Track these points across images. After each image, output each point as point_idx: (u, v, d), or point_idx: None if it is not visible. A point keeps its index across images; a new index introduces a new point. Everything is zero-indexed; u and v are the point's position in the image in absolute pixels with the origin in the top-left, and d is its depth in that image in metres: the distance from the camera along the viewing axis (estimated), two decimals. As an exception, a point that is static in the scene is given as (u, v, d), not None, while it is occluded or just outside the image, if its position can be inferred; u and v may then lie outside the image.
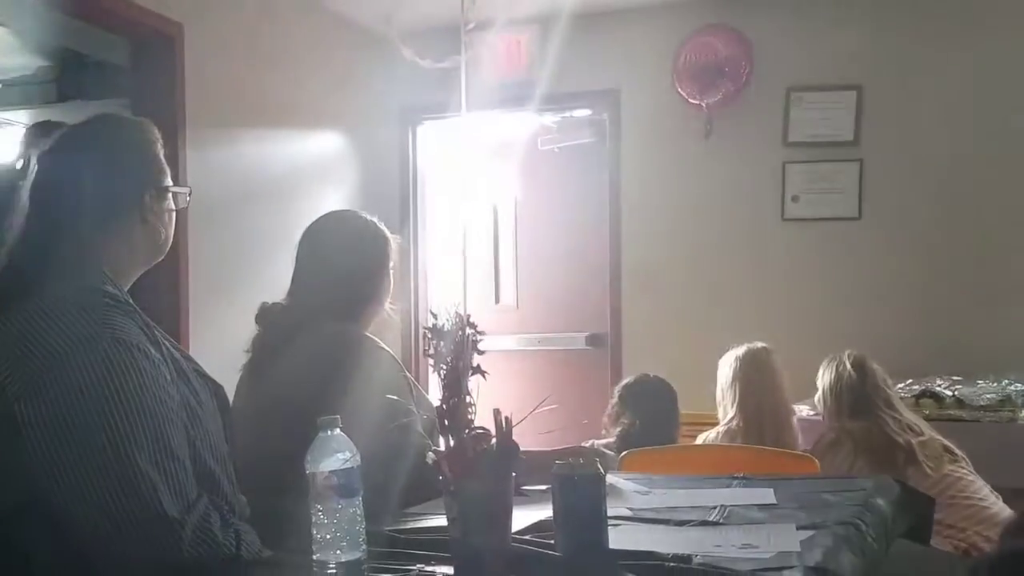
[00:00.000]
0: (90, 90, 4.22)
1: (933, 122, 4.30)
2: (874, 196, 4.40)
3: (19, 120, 4.55)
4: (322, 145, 4.71)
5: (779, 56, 4.49)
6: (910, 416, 3.12)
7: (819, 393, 3.20)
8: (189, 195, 1.65)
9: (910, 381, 3.86)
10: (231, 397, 1.79)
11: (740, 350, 3.33)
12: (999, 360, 3.98)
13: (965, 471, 2.96)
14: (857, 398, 3.08)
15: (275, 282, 3.17)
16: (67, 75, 4.36)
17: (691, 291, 4.56)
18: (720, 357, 3.38)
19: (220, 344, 3.11)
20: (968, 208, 4.25)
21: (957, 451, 3.03)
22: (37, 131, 3.00)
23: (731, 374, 3.28)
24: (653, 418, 3.29)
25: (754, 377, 3.24)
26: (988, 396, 3.66)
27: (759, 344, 3.36)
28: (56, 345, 1.30)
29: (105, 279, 1.45)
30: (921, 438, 2.97)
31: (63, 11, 3.43)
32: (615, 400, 3.44)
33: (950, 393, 3.71)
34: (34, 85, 4.48)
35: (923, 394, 3.73)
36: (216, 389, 1.57)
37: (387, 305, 2.31)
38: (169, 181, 1.59)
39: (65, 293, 1.38)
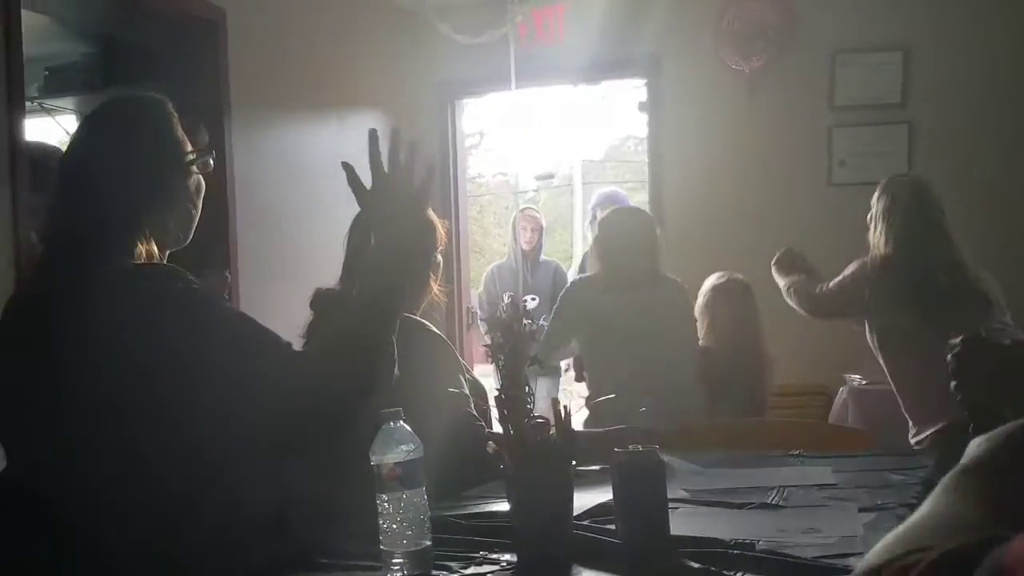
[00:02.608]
0: (134, 76, 4.25)
1: (981, 82, 4.22)
2: (924, 159, 4.33)
3: (65, 107, 4.61)
4: (363, 124, 4.72)
5: (823, 18, 4.41)
6: (964, 256, 3.04)
7: (870, 215, 3.13)
8: (213, 158, 1.64)
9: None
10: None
11: (716, 279, 3.45)
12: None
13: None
14: (911, 223, 3.01)
15: (323, 263, 3.23)
16: (111, 61, 4.40)
17: (736, 256, 4.51)
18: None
19: (271, 325, 3.17)
20: (1020, 169, 4.17)
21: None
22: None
23: (703, 302, 3.42)
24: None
25: (724, 307, 3.36)
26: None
27: (736, 275, 3.43)
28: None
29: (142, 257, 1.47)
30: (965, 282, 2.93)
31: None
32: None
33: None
34: (79, 72, 4.53)
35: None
36: None
37: (435, 288, 2.33)
38: (189, 154, 1.58)
39: (126, 269, 1.42)
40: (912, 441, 3.04)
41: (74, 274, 1.39)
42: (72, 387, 1.34)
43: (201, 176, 1.61)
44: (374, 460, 1.28)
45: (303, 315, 2.25)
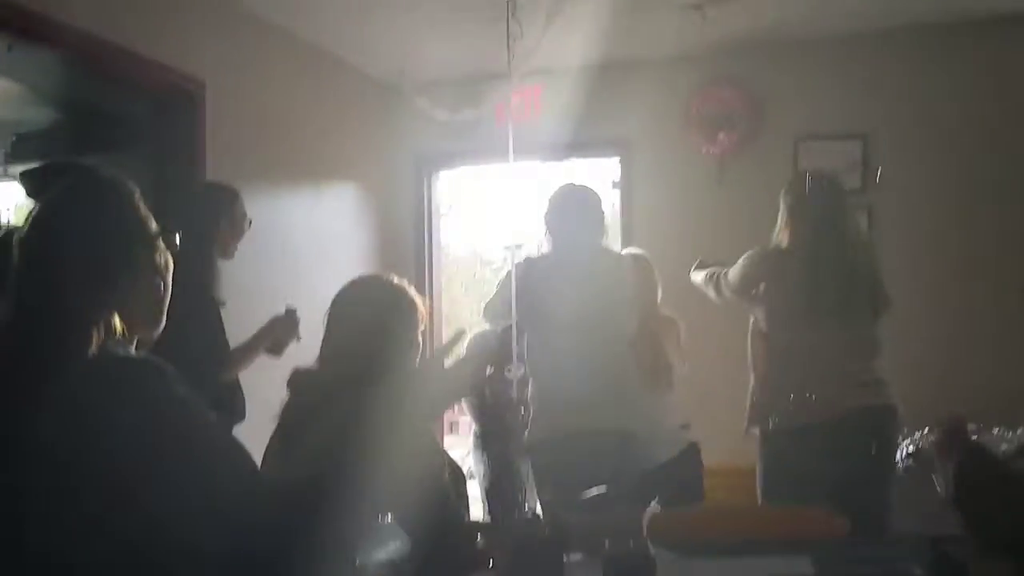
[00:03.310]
0: (107, 145, 4.23)
1: (937, 168, 4.37)
2: (883, 242, 4.42)
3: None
4: (340, 197, 4.75)
5: (786, 107, 4.56)
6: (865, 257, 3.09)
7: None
8: (180, 236, 1.62)
9: (927, 430, 3.86)
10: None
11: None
12: (1010, 408, 3.98)
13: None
14: (812, 220, 3.03)
15: (303, 338, 3.20)
16: (83, 129, 4.38)
17: (705, 335, 4.56)
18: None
19: (248, 402, 3.12)
20: (977, 252, 4.29)
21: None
22: (31, 177, 2.96)
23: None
24: None
25: None
26: (1005, 446, 3.66)
27: (635, 252, 3.48)
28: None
29: (112, 341, 1.42)
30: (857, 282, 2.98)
31: (82, 67, 3.46)
32: None
33: (969, 443, 3.70)
34: (47, 139, 4.49)
35: (941, 444, 3.72)
36: None
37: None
38: (155, 227, 1.54)
39: (90, 361, 1.36)
40: (747, 425, 3.09)
41: (34, 362, 1.35)
42: (23, 480, 1.31)
43: (169, 254, 1.57)
44: (359, 559, 1.26)
45: (280, 393, 2.23)
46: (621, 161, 4.85)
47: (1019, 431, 3.75)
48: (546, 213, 3.24)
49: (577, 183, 3.36)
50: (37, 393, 1.32)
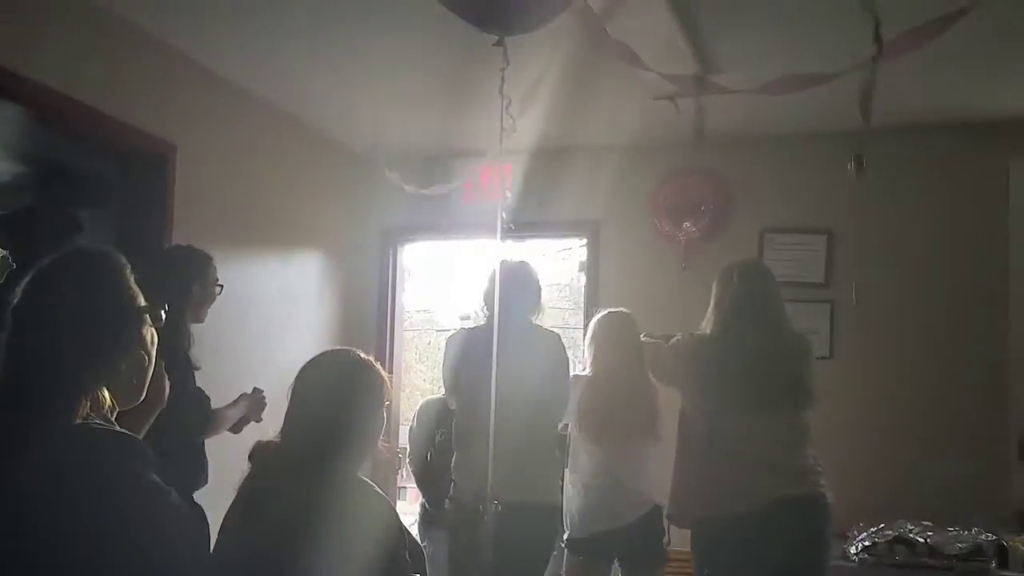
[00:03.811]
0: (73, 201, 4.19)
1: (900, 265, 4.46)
2: (845, 336, 4.50)
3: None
4: (306, 263, 4.73)
5: (753, 198, 4.65)
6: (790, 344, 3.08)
7: None
8: (166, 311, 1.64)
9: (882, 525, 3.88)
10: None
11: (601, 313, 3.67)
12: (965, 504, 4.01)
13: None
14: (736, 309, 3.05)
15: (268, 404, 3.15)
16: (47, 184, 4.33)
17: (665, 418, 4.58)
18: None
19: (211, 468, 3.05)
20: (937, 351, 4.37)
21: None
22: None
23: (589, 335, 3.63)
24: None
25: (606, 337, 3.56)
26: (960, 545, 3.68)
27: (620, 310, 3.67)
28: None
29: (97, 414, 1.44)
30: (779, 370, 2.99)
31: (51, 125, 3.44)
32: None
33: (922, 540, 3.72)
34: (9, 192, 4.43)
35: (896, 540, 3.74)
36: None
37: (379, 443, 2.29)
38: (143, 302, 1.58)
39: (72, 431, 1.38)
40: (669, 518, 3.15)
41: (19, 425, 1.37)
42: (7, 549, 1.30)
43: (154, 329, 1.60)
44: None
45: (239, 462, 2.18)
46: (588, 243, 4.90)
47: (973, 531, 3.77)
48: (485, 288, 3.39)
49: (516, 260, 3.50)
50: (19, 454, 1.33)
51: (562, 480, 3.50)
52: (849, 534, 3.93)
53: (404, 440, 5.09)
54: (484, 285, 3.41)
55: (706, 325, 3.14)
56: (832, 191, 4.53)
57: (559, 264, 8.32)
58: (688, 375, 3.12)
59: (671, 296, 4.64)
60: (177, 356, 2.97)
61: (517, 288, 3.32)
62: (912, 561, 3.65)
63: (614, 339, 3.57)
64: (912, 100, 4.02)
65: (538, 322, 3.46)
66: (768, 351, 2.97)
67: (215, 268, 3.20)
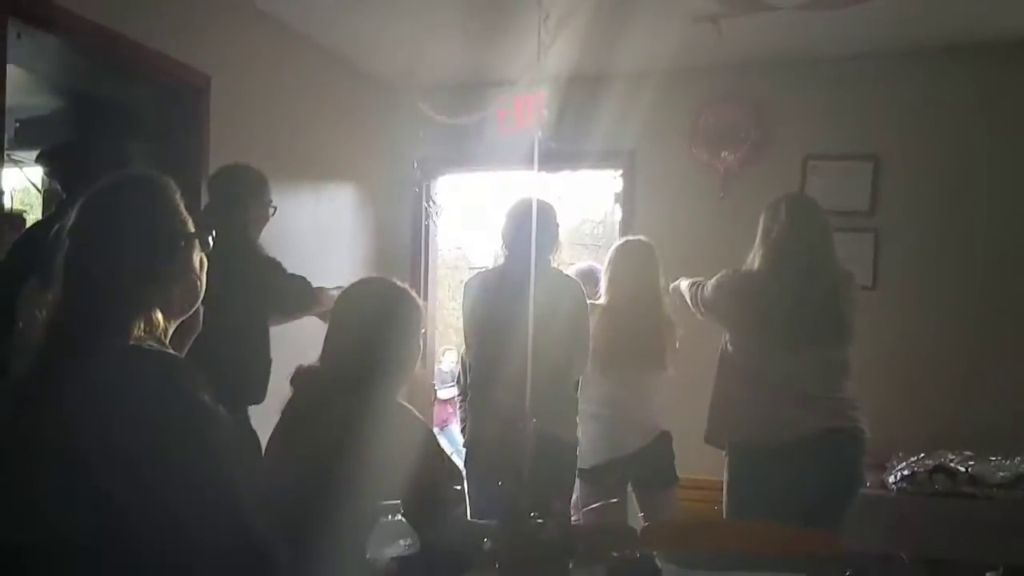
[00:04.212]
0: (110, 133, 4.21)
1: (949, 192, 4.35)
2: (888, 266, 4.43)
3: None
4: (339, 196, 4.73)
5: (796, 124, 4.54)
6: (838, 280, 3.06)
7: None
8: (214, 236, 1.65)
9: (922, 455, 3.85)
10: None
11: (620, 241, 3.71)
12: (1008, 437, 3.97)
13: None
14: (784, 243, 3.01)
15: (304, 334, 3.19)
16: (85, 117, 4.36)
17: (700, 351, 4.56)
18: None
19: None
20: (983, 281, 4.28)
21: None
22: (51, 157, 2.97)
23: (606, 262, 3.64)
24: None
25: (622, 264, 3.56)
26: (1002, 474, 3.65)
27: (639, 238, 3.70)
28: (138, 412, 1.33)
29: (151, 336, 1.46)
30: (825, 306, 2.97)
31: (89, 57, 3.46)
32: None
33: (963, 469, 3.69)
34: (50, 126, 4.47)
35: (936, 469, 3.72)
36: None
37: (416, 369, 2.31)
38: (193, 227, 1.60)
39: (126, 352, 1.40)
40: (706, 438, 3.12)
41: (75, 353, 1.40)
42: (56, 462, 1.33)
43: (204, 254, 1.61)
44: (370, 554, 1.25)
45: (284, 390, 2.21)
46: (624, 174, 4.84)
47: (1015, 460, 3.73)
48: (502, 227, 3.36)
49: (533, 198, 3.43)
50: (73, 373, 1.36)
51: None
52: (888, 464, 3.92)
53: (437, 378, 5.15)
54: (501, 223, 3.38)
55: (752, 259, 3.11)
56: (878, 115, 4.43)
57: (593, 199, 8.23)
58: (733, 309, 3.10)
59: (709, 226, 4.58)
60: (259, 253, 3.19)
61: (530, 229, 3.26)
62: (952, 490, 3.63)
63: (629, 268, 3.56)
64: (962, 17, 3.88)
65: (558, 263, 3.46)
66: (814, 287, 2.96)
67: (269, 188, 3.29)
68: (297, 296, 3.27)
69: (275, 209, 3.34)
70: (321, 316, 3.12)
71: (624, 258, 3.61)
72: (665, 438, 3.52)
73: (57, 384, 1.36)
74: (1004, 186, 4.27)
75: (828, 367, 2.98)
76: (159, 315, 1.48)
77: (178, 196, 1.58)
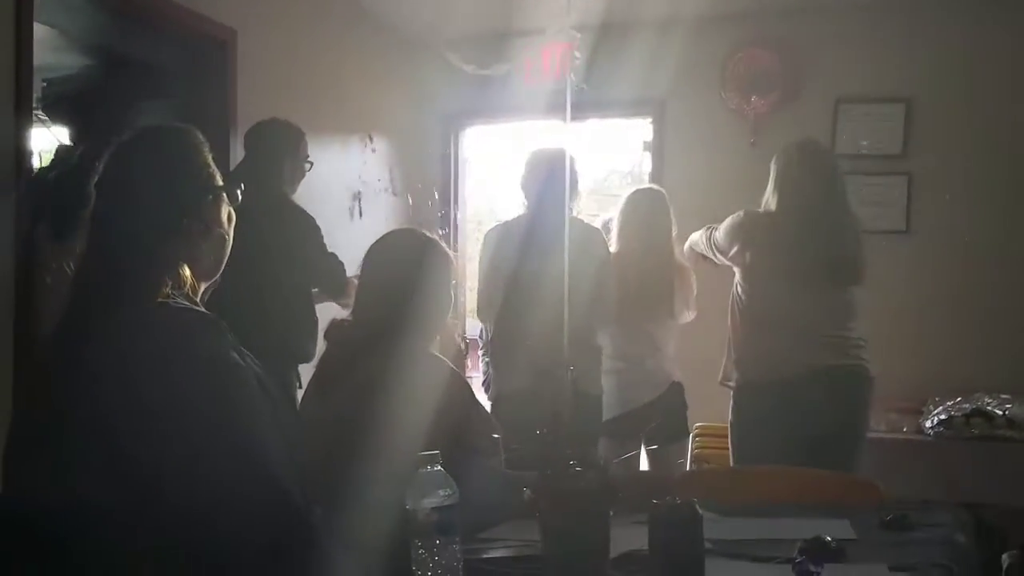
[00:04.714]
0: (137, 91, 4.21)
1: (981, 136, 4.27)
2: (922, 209, 4.37)
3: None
4: (365, 151, 4.71)
5: (827, 67, 4.46)
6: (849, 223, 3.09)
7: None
8: (242, 189, 1.63)
9: (959, 399, 3.83)
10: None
11: (632, 190, 3.68)
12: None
13: None
14: (799, 186, 3.04)
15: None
16: (113, 76, 4.35)
17: (718, 306, 4.54)
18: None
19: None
20: (1017, 224, 4.21)
21: None
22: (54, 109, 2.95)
23: (618, 210, 3.61)
24: None
25: (633, 213, 3.53)
26: (1036, 415, 3.62)
27: (651, 187, 3.70)
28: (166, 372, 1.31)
29: (179, 293, 1.45)
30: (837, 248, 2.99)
31: (115, 13, 3.44)
32: None
33: (1001, 413, 3.67)
34: (78, 84, 4.47)
35: (974, 413, 3.69)
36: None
37: (448, 320, 2.31)
38: (220, 181, 1.57)
39: (155, 308, 1.38)
40: (720, 379, 3.18)
41: (103, 310, 1.38)
42: (84, 419, 1.32)
43: (232, 208, 1.59)
44: (410, 505, 1.25)
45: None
46: (653, 121, 4.78)
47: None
48: (522, 177, 3.34)
49: (552, 148, 3.42)
50: (101, 328, 1.34)
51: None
52: (924, 409, 3.90)
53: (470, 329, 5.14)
54: (522, 175, 3.35)
55: (766, 202, 3.14)
56: (909, 58, 4.34)
57: (621, 148, 8.15)
58: (744, 248, 3.12)
59: (739, 172, 4.51)
60: (299, 211, 3.17)
61: (553, 177, 3.25)
62: (990, 434, 3.61)
63: (639, 217, 3.52)
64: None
65: (578, 211, 3.43)
66: (824, 228, 2.99)
67: (306, 143, 3.28)
68: (329, 275, 3.22)
69: (311, 164, 3.33)
70: (344, 306, 3.12)
71: (635, 207, 3.57)
72: (677, 388, 3.52)
73: (84, 344, 1.34)
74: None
75: (834, 306, 3.02)
76: (187, 271, 1.46)
77: (206, 149, 1.55)
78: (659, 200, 3.57)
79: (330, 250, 3.25)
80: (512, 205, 4.68)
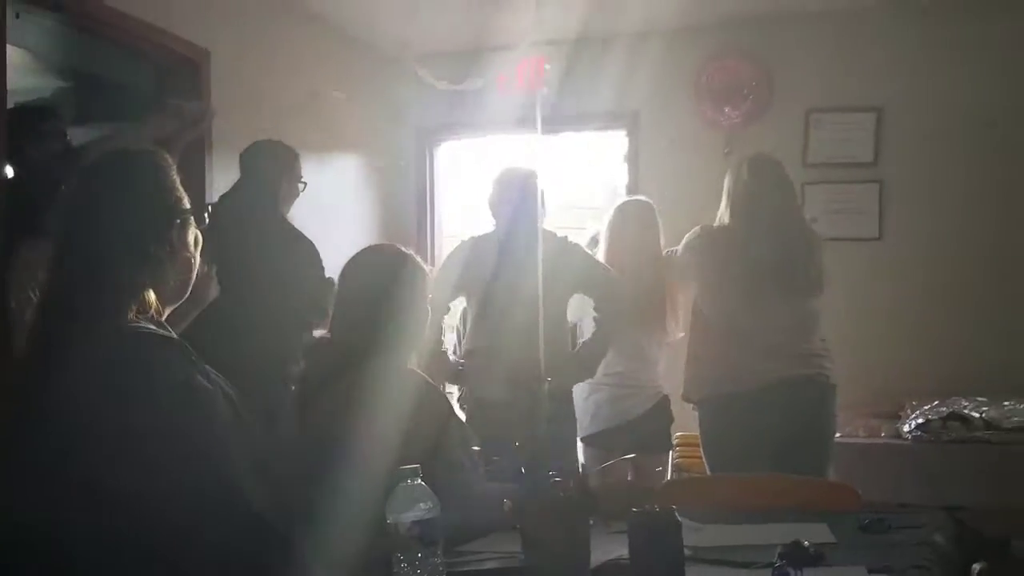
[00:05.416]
0: (111, 113, 4.19)
1: (951, 142, 4.33)
2: (894, 216, 4.42)
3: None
4: (342, 168, 4.71)
5: (798, 78, 4.51)
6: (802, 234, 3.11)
7: None
8: (208, 213, 1.64)
9: (935, 402, 3.86)
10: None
11: (620, 201, 3.70)
12: (1021, 381, 3.97)
13: None
14: (749, 199, 3.08)
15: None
16: (86, 98, 4.34)
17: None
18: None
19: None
20: (988, 228, 4.27)
21: None
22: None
23: (605, 223, 3.61)
24: None
25: (621, 226, 3.54)
26: (1016, 419, 3.65)
27: (638, 198, 3.71)
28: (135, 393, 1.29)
29: (144, 316, 1.44)
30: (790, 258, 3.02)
31: (89, 34, 3.43)
32: None
33: (977, 415, 3.70)
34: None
35: (951, 416, 3.73)
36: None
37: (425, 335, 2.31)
38: (187, 204, 1.56)
39: (121, 333, 1.37)
40: (683, 396, 3.21)
41: (68, 336, 1.37)
42: (51, 445, 1.31)
43: (199, 231, 1.58)
44: (391, 519, 1.25)
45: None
46: (628, 134, 4.81)
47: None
48: (490, 196, 3.36)
49: (517, 167, 3.44)
50: (67, 353, 1.34)
51: None
52: (902, 413, 3.93)
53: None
54: (489, 193, 3.37)
55: (720, 217, 3.19)
56: (879, 67, 4.39)
57: (598, 160, 8.19)
58: (700, 263, 3.16)
59: (715, 183, 4.53)
60: (295, 235, 3.19)
61: (520, 196, 3.26)
62: (966, 436, 3.64)
63: (628, 230, 3.53)
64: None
65: (549, 227, 3.39)
66: (777, 240, 3.02)
67: (300, 164, 3.29)
68: (316, 301, 3.14)
69: (305, 185, 3.33)
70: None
71: (623, 218, 3.58)
72: (664, 402, 3.53)
73: (50, 369, 1.34)
74: (1006, 133, 4.24)
75: (793, 317, 3.04)
76: (151, 295, 1.45)
77: (173, 172, 1.53)
78: (647, 211, 3.58)
79: (328, 275, 3.23)
80: (488, 218, 4.70)
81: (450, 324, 3.60)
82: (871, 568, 1.55)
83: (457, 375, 3.31)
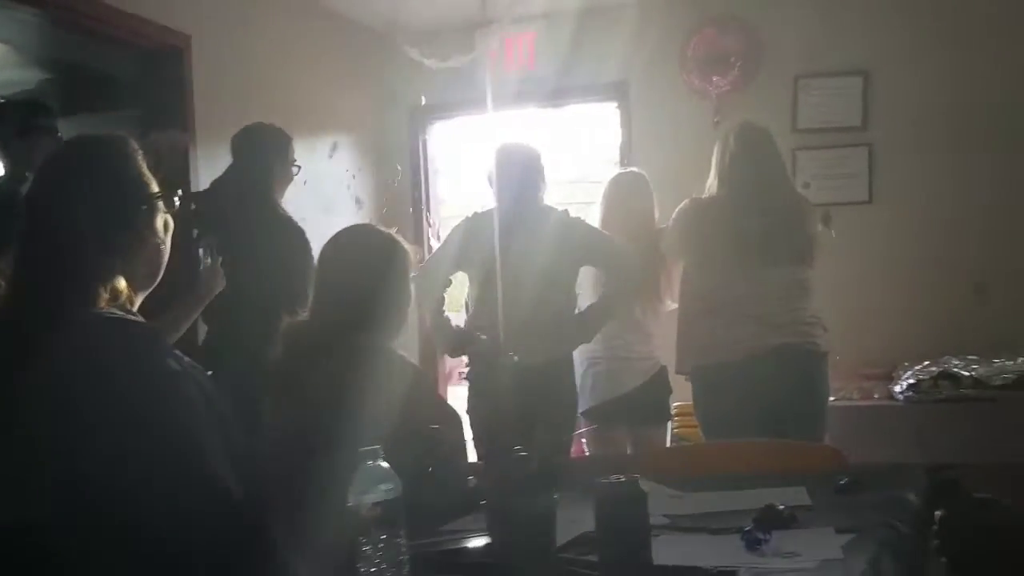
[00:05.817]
0: (95, 103, 4.20)
1: (938, 105, 4.31)
2: (884, 179, 4.41)
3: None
4: (335, 150, 4.71)
5: (785, 44, 4.49)
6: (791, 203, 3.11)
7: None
8: (179, 197, 1.62)
9: (927, 363, 3.87)
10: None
11: (614, 174, 3.72)
12: (1014, 338, 3.98)
13: None
14: (736, 168, 3.08)
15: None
16: (70, 89, 4.34)
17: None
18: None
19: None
20: (978, 188, 4.25)
21: None
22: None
23: (601, 196, 3.63)
24: None
25: (613, 199, 3.56)
26: (1005, 375, 3.67)
27: (632, 170, 3.72)
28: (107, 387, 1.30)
29: (115, 304, 1.43)
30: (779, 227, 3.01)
31: (68, 26, 3.43)
32: None
33: (967, 373, 3.71)
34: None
35: (941, 375, 3.74)
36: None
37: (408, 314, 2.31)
38: (155, 188, 1.53)
39: (89, 320, 1.37)
40: (676, 369, 3.23)
41: (37, 324, 1.36)
42: (21, 434, 1.31)
43: (168, 215, 1.59)
44: (352, 501, 1.26)
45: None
46: (619, 105, 4.79)
47: (1018, 361, 3.75)
48: (489, 171, 3.34)
49: (517, 142, 3.43)
50: (36, 341, 1.32)
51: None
52: (895, 374, 3.94)
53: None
54: (489, 168, 3.35)
55: (708, 188, 3.18)
56: (865, 30, 4.37)
57: (592, 133, 8.18)
58: (688, 235, 3.16)
59: (706, 152, 4.53)
60: (289, 223, 3.15)
61: (519, 171, 3.26)
62: (956, 395, 3.66)
63: (622, 201, 3.54)
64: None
65: (566, 204, 3.46)
66: (766, 208, 3.02)
67: (293, 148, 3.25)
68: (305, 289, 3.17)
69: (299, 168, 3.31)
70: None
71: (616, 190, 3.59)
72: (662, 373, 3.54)
73: (19, 358, 1.32)
74: (991, 90, 4.23)
75: (782, 286, 3.03)
76: (122, 282, 1.43)
77: (140, 157, 1.52)
78: (640, 183, 3.59)
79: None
80: (483, 198, 4.71)
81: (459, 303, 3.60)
82: (839, 528, 1.57)
83: (462, 345, 3.25)
